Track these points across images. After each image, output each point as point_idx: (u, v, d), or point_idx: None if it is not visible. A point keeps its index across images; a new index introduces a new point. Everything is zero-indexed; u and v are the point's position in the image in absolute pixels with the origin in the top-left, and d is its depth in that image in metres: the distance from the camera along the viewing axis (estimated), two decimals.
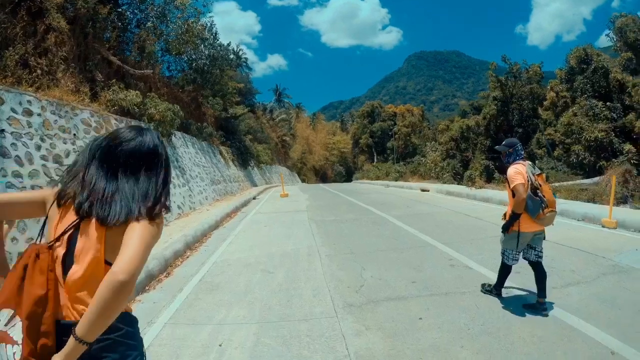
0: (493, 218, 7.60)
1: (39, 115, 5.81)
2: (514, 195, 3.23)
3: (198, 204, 11.11)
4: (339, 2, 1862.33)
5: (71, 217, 1.10)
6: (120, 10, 12.13)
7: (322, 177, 54.48)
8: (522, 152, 3.44)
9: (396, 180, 23.46)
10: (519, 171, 3.24)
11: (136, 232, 1.03)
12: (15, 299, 1.00)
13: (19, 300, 1.00)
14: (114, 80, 10.11)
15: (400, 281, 4.14)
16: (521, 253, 3.41)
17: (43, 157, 5.53)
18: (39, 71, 7.28)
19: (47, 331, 0.99)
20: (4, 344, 0.99)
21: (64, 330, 1.00)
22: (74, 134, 6.56)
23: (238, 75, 45.37)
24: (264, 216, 9.67)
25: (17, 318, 0.99)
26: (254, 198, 15.40)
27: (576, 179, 14.79)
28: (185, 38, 15.35)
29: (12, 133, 5.05)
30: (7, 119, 5.09)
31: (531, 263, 3.43)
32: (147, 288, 4.34)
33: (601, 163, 15.54)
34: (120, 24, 11.80)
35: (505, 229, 3.35)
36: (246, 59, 55.13)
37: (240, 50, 22.70)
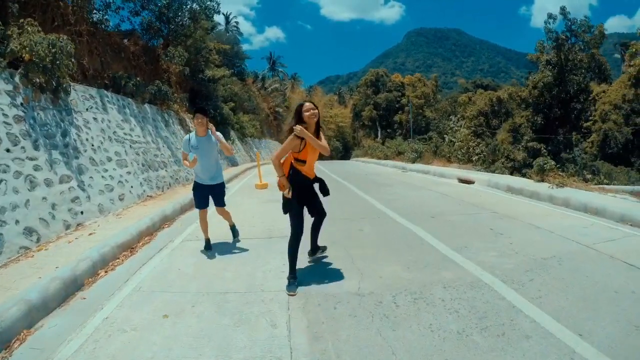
0: None
1: None
2: None
3: (95, 212, 6.10)
4: None
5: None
6: None
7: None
8: None
9: (413, 162, 18.51)
10: None
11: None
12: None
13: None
14: None
15: None
16: None
17: None
18: None
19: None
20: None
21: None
22: None
23: (225, 36, 39.38)
24: (192, 257, 4.36)
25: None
26: None
27: None
28: None
29: None
30: None
31: None
32: None
33: None
34: None
35: None
36: (237, 22, 48.83)
37: None
